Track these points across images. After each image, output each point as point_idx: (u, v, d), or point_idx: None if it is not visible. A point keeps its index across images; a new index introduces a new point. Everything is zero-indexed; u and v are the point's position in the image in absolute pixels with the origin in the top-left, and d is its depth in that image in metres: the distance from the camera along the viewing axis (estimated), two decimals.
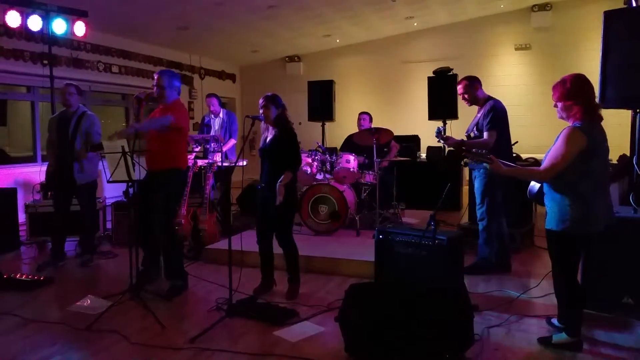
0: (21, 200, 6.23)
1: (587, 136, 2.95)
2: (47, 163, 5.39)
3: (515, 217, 5.28)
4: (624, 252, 3.49)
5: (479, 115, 4.65)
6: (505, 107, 4.68)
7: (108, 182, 4.04)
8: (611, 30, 3.70)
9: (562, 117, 3.16)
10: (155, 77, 4.33)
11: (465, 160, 3.40)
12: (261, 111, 4.15)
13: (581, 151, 2.95)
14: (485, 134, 4.51)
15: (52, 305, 4.21)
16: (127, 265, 4.05)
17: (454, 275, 3.89)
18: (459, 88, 4.75)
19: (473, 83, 4.68)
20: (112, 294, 4.14)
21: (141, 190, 4.27)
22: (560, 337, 3.21)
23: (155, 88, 4.32)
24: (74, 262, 5.41)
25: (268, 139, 4.22)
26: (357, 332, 3.07)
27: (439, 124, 8.17)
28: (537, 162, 3.19)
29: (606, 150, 3.11)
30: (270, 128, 4.22)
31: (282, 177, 4.04)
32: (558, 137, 3.05)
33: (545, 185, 3.18)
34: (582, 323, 3.20)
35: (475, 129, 4.63)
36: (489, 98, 4.69)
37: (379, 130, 6.01)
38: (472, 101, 4.72)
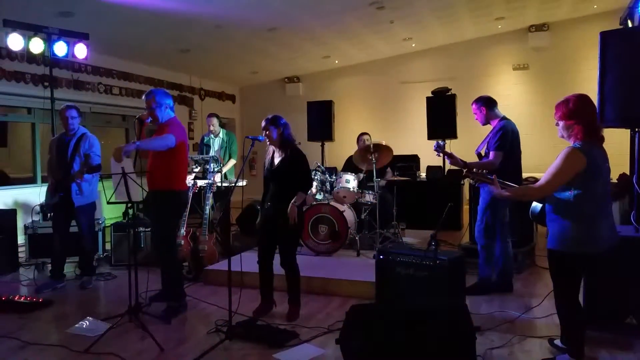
0: (21, 221, 6.21)
1: (586, 157, 2.95)
2: (47, 184, 5.38)
3: (516, 237, 5.26)
4: (627, 272, 3.47)
5: (490, 134, 4.65)
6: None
7: (108, 203, 4.03)
8: (608, 51, 3.72)
9: (562, 136, 3.16)
10: (144, 100, 4.30)
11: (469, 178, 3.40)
12: (264, 133, 4.17)
13: (580, 172, 2.95)
14: (491, 154, 4.49)
15: (50, 327, 4.17)
16: (126, 286, 4.02)
17: (455, 296, 3.87)
18: (472, 108, 4.77)
19: (484, 103, 4.68)
20: (111, 315, 4.11)
21: (146, 210, 4.27)
22: (564, 358, 3.17)
23: (146, 112, 4.30)
24: (73, 283, 5.38)
25: (276, 161, 4.21)
26: (359, 354, 3.04)
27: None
28: (537, 182, 3.19)
29: (607, 171, 3.11)
30: (277, 150, 4.22)
31: (295, 198, 4.05)
32: (558, 156, 3.05)
33: (547, 205, 3.17)
34: (585, 344, 3.16)
35: (485, 147, 4.63)
36: (503, 118, 4.67)
37: (378, 147, 6.01)
38: (483, 121, 4.73)
